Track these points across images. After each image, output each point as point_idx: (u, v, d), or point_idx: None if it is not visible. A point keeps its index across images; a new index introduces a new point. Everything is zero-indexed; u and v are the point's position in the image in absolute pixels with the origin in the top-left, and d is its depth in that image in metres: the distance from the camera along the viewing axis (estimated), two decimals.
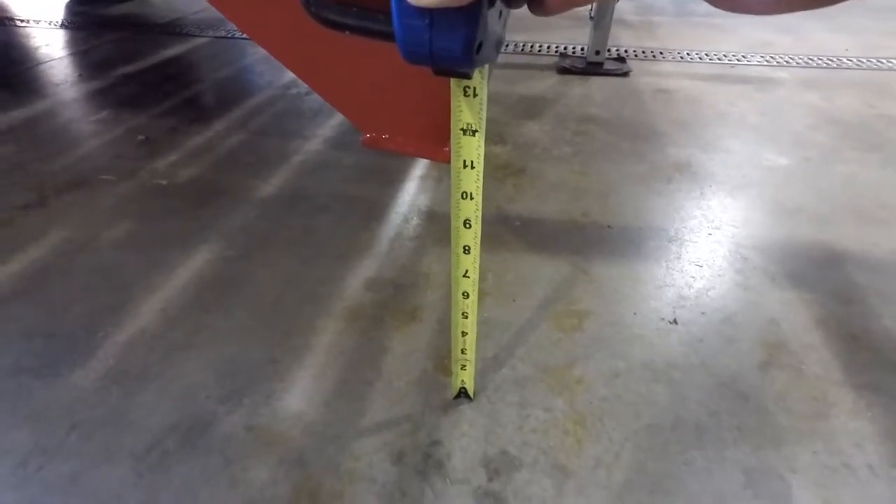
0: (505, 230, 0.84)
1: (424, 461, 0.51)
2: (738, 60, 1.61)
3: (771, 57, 1.63)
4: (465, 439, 0.53)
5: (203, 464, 0.51)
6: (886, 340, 0.65)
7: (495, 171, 1.00)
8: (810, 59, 1.61)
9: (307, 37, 0.43)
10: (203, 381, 0.59)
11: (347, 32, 0.28)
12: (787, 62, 1.59)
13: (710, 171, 1.01)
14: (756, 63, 1.58)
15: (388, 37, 0.24)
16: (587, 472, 0.50)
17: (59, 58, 1.62)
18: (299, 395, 0.58)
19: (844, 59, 1.61)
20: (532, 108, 1.27)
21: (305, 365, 0.61)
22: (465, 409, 0.56)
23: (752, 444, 0.53)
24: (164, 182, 0.98)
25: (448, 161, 0.39)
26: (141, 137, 1.14)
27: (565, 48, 1.69)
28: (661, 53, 1.67)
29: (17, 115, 1.25)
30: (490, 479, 0.50)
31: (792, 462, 0.51)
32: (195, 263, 0.77)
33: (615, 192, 0.93)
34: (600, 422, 0.55)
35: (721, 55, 1.65)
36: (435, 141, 0.47)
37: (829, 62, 1.59)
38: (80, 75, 1.49)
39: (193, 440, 0.53)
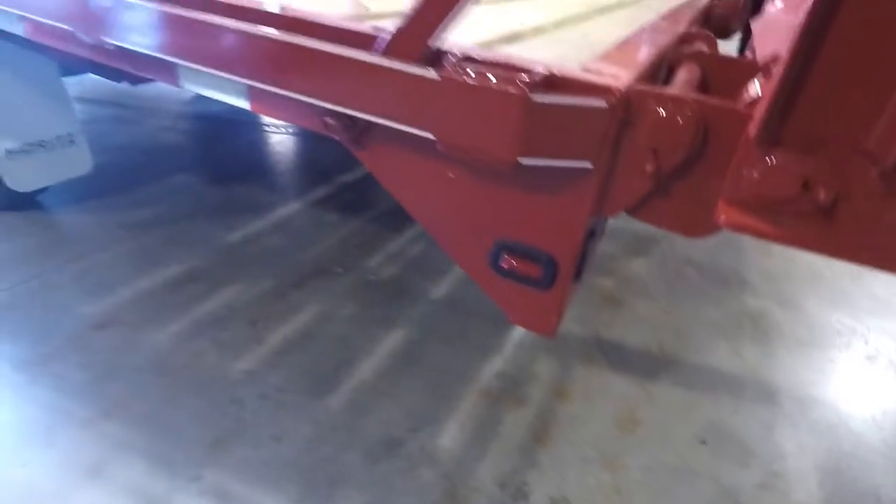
0: (596, 351, 1.18)
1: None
2: None
3: None
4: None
5: (404, 465, 0.93)
6: None
7: (598, 301, 1.35)
8: None
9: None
10: (396, 418, 1.03)
11: None
12: None
13: (778, 325, 1.25)
14: None
15: None
16: None
17: (292, 163, 2.36)
18: (449, 438, 0.98)
19: None
20: (643, 245, 1.60)
21: (452, 421, 1.02)
22: (548, 467, 0.92)
23: None
24: (373, 277, 1.50)
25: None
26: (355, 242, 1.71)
27: None
28: None
29: (283, 212, 1.91)
30: None
31: None
32: (395, 338, 1.24)
33: (688, 331, 1.23)
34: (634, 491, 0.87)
35: None
36: None
37: None
38: (311, 181, 2.17)
39: (393, 451, 0.96)
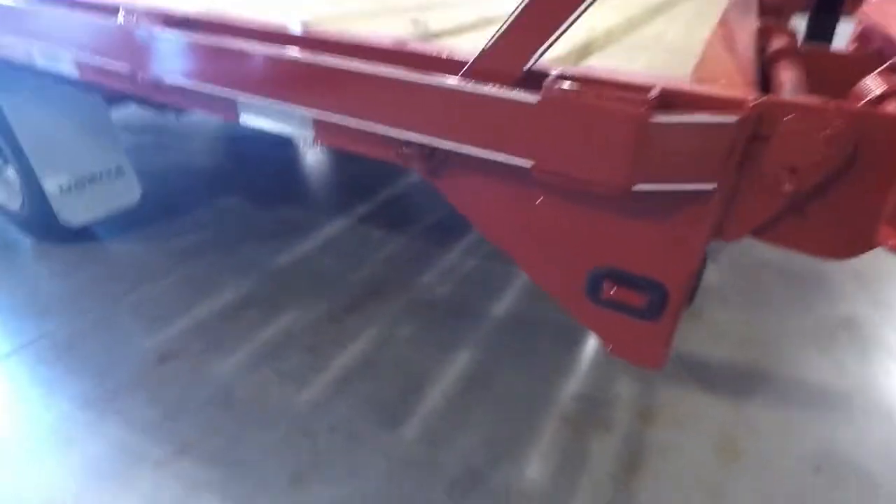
0: (680, 369, 1.11)
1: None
2: None
3: None
4: None
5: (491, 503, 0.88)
6: None
7: None
8: None
9: None
10: (474, 448, 0.98)
11: None
12: None
13: (876, 331, 1.15)
14: None
15: None
16: None
17: (334, 179, 2.34)
18: (534, 470, 0.93)
19: None
20: (709, 248, 1.51)
21: (534, 450, 0.97)
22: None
23: None
24: (429, 296, 1.46)
25: None
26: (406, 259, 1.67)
27: None
28: None
29: (329, 231, 1.89)
30: None
31: None
32: (461, 361, 1.20)
33: (777, 344, 1.14)
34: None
35: None
36: None
37: None
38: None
39: (477, 486, 0.91)
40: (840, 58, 0.79)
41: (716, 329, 1.19)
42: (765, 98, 0.50)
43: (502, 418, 1.04)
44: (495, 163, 0.59)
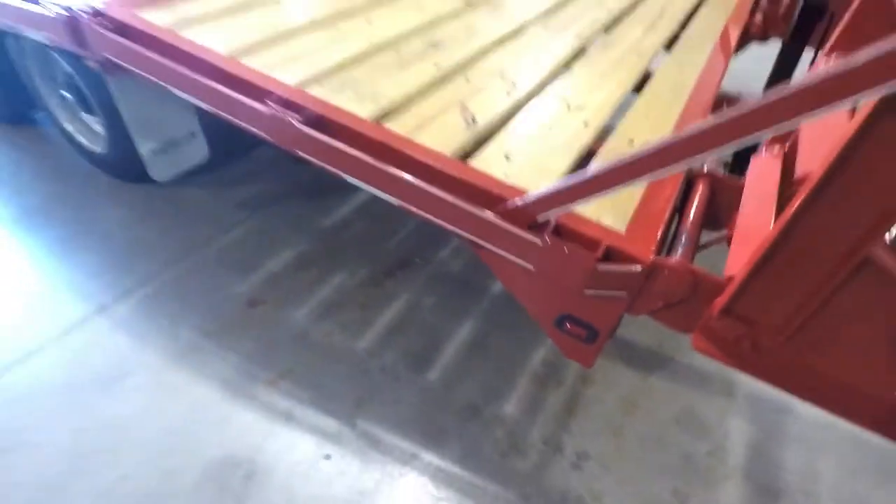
0: (613, 348, 1.65)
1: None
2: None
3: None
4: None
5: (483, 425, 1.46)
6: None
7: None
8: None
9: None
10: (475, 392, 1.54)
11: None
12: None
13: None
14: None
15: None
16: None
17: None
18: (511, 408, 1.49)
19: None
20: None
21: (513, 395, 1.53)
22: None
23: None
24: (445, 269, 1.95)
25: None
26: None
27: None
28: None
29: (361, 195, 2.32)
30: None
31: None
32: (468, 329, 1.73)
33: (680, 336, 1.68)
34: (629, 452, 1.39)
35: None
36: None
37: None
38: None
39: (475, 415, 1.48)
40: (738, 187, 1.23)
41: (641, 324, 1.71)
42: (654, 258, 0.97)
43: (493, 372, 1.59)
44: (514, 262, 1.06)
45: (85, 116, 2.31)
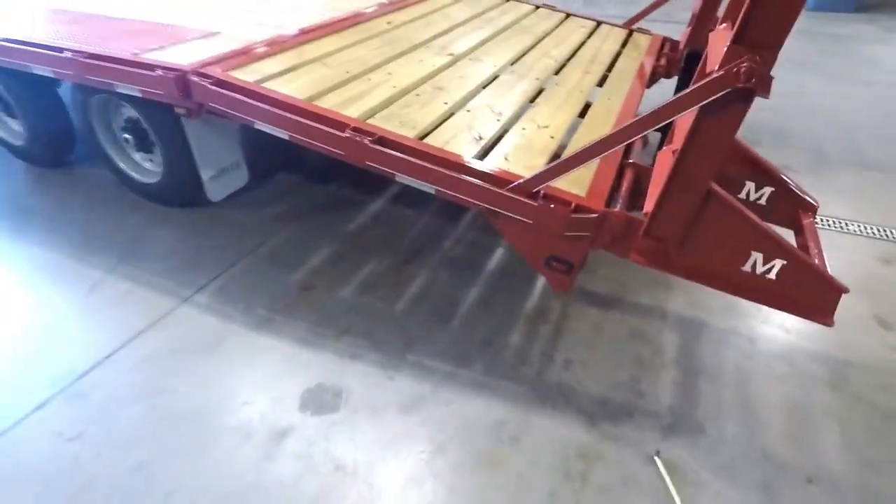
0: (582, 295, 2.32)
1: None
2: None
3: None
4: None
5: (497, 351, 2.07)
6: None
7: (582, 269, 2.48)
8: None
9: None
10: (488, 330, 2.15)
11: None
12: None
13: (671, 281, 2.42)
14: None
15: None
16: None
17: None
18: (516, 338, 2.12)
19: None
20: None
21: (516, 330, 2.15)
22: None
23: None
24: (451, 254, 2.58)
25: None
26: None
27: None
28: None
29: (374, 207, 2.93)
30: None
31: None
32: (476, 293, 2.35)
33: (631, 284, 2.38)
34: (599, 357, 2.04)
35: None
36: None
37: None
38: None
39: (491, 345, 2.09)
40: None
41: (603, 275, 2.40)
42: (604, 209, 1.65)
43: (498, 318, 2.21)
44: (517, 219, 1.71)
45: (137, 156, 2.84)
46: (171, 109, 2.23)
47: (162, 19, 2.75)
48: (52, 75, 2.43)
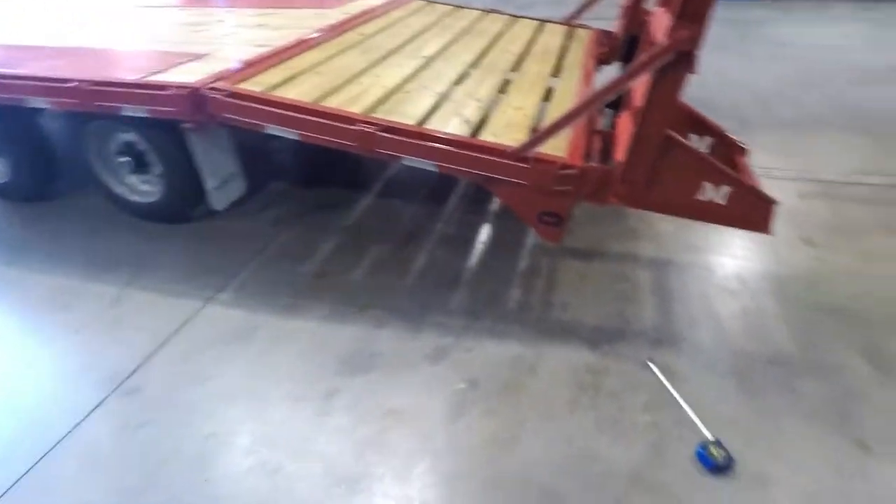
0: (567, 252, 2.70)
1: None
2: None
3: None
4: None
5: (501, 308, 2.40)
6: None
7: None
8: None
9: None
10: (488, 293, 2.48)
11: None
12: None
13: (638, 231, 2.84)
14: None
15: None
16: None
17: (343, 165, 3.63)
18: (514, 293, 2.46)
19: None
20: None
21: (513, 288, 2.50)
22: None
23: None
24: (445, 233, 2.90)
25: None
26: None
27: None
28: None
29: (364, 202, 3.21)
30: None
31: None
32: (471, 262, 2.68)
33: (604, 243, 2.78)
34: (581, 305, 2.41)
35: None
36: None
37: None
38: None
39: (493, 302, 2.42)
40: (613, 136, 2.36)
41: (580, 234, 2.79)
42: (583, 165, 2.03)
43: (498, 278, 2.54)
44: (511, 181, 2.06)
45: (131, 179, 3.02)
46: (173, 126, 2.46)
47: (144, 48, 2.96)
48: (50, 106, 2.60)
